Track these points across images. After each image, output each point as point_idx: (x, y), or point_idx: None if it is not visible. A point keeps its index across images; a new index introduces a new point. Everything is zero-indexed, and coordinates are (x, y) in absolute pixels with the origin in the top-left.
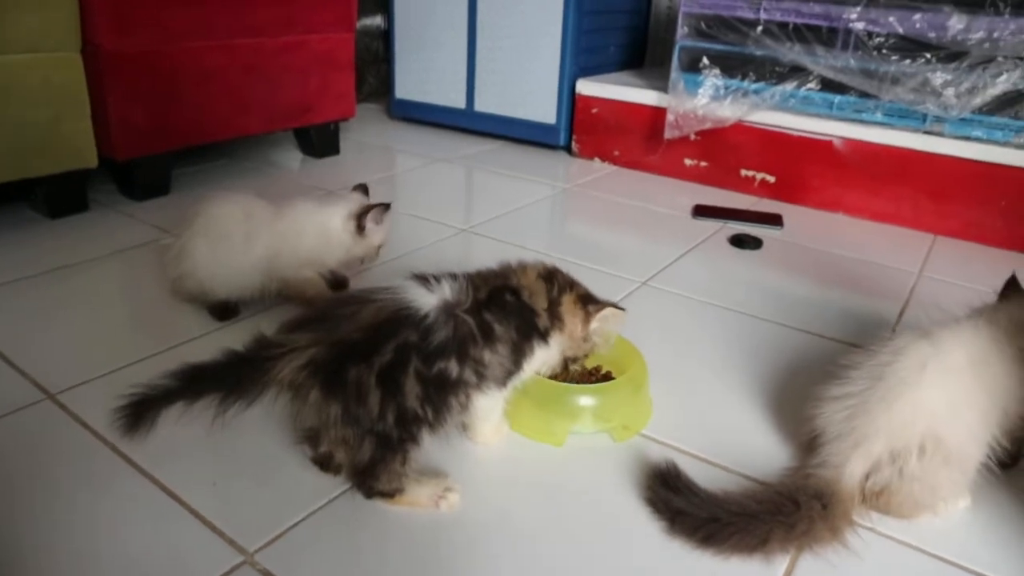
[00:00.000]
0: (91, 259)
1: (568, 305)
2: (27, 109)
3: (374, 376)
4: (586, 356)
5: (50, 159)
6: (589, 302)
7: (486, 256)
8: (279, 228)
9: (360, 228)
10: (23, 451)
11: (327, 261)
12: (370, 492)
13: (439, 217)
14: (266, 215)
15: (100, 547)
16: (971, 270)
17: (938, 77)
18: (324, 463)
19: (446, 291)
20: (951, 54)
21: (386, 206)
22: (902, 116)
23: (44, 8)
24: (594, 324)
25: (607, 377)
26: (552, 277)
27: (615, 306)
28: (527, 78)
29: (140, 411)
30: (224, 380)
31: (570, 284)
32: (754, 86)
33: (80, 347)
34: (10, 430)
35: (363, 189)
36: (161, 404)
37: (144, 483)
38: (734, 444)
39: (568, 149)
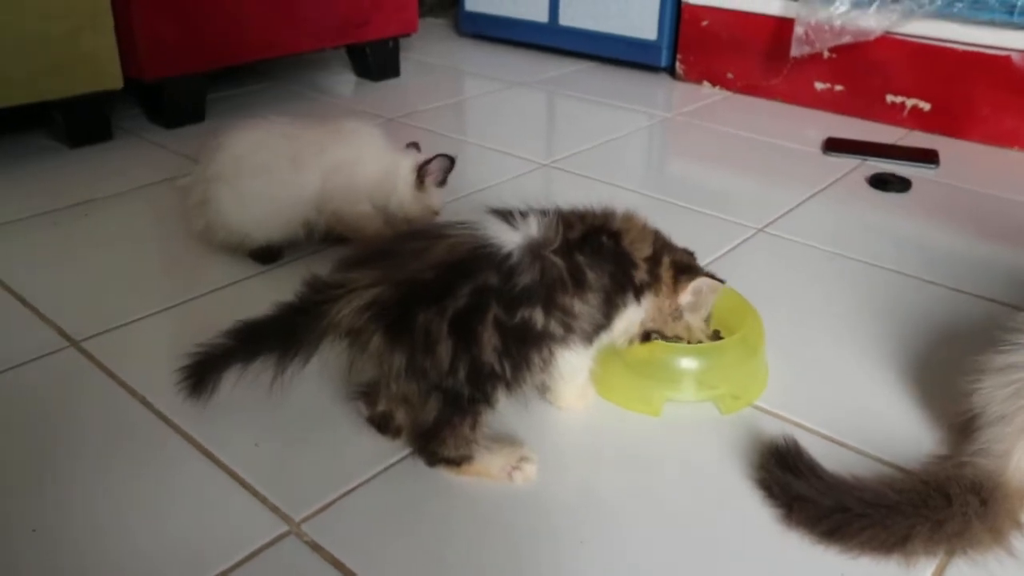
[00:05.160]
0: (116, 194)
1: (664, 268)
2: (42, 21)
3: (446, 323)
4: (676, 338)
5: (69, 79)
6: (682, 272)
7: (571, 196)
8: (338, 154)
9: (420, 181)
10: (46, 402)
11: (388, 204)
12: (434, 459)
13: (516, 150)
14: (315, 136)
15: (128, 510)
16: None
17: None
18: (382, 424)
19: (532, 228)
20: None
21: (451, 160)
22: None
23: None
24: (686, 297)
25: (715, 337)
26: (657, 234)
27: (712, 276)
28: None
29: (203, 372)
30: (280, 336)
31: (669, 247)
32: None
33: (105, 290)
34: (32, 379)
35: (414, 147)
36: (223, 365)
37: (178, 441)
38: (867, 422)
39: (671, 71)
